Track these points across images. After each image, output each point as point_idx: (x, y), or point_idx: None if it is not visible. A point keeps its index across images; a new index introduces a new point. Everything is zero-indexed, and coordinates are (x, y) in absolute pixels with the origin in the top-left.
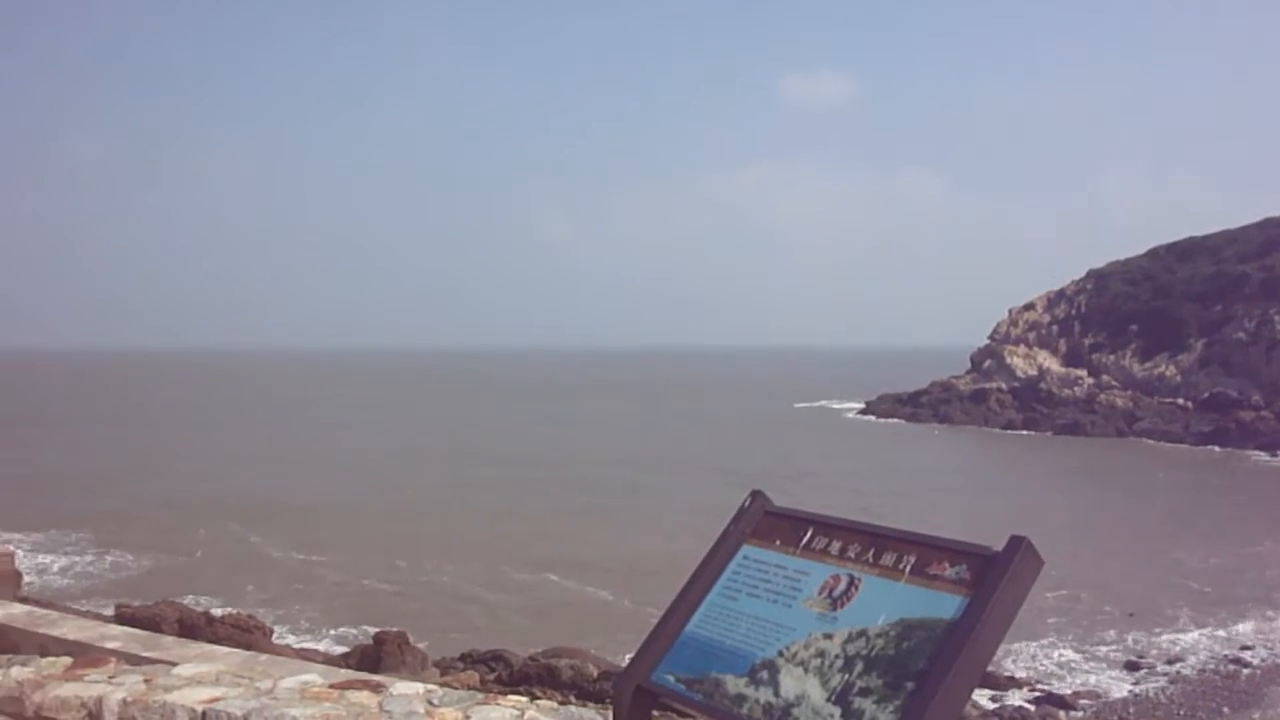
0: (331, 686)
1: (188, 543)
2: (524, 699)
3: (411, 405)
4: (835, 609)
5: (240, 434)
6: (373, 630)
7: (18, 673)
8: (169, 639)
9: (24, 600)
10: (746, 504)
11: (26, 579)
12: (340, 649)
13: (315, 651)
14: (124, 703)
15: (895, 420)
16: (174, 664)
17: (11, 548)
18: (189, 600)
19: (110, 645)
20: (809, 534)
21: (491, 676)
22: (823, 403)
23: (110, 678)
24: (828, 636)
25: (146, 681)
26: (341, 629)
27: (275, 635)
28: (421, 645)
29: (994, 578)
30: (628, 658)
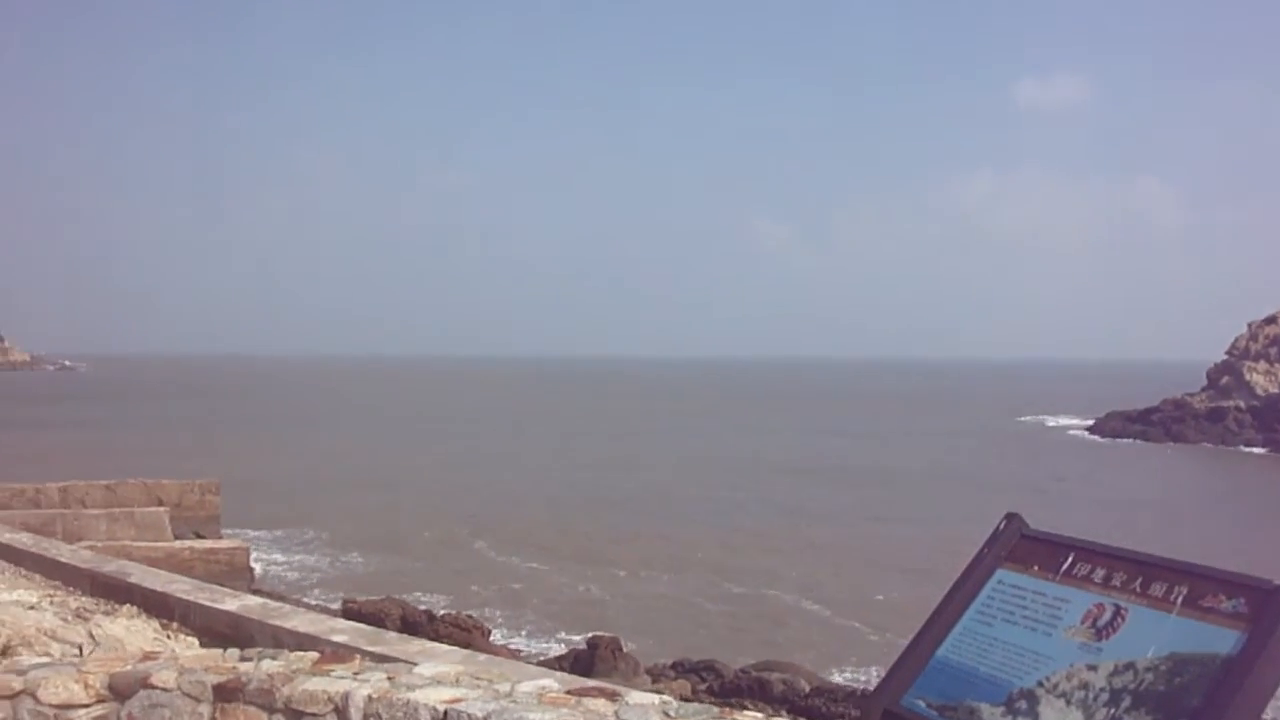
0: (568, 693)
1: (413, 544)
2: (760, 716)
3: (653, 414)
4: (1100, 639)
5: (483, 441)
6: (587, 635)
7: (268, 665)
8: (392, 634)
9: (257, 593)
10: (1001, 527)
11: (259, 573)
12: (554, 652)
13: (530, 653)
14: (369, 699)
15: (1125, 440)
16: (398, 659)
17: (246, 543)
18: (412, 598)
19: (337, 639)
20: (1069, 560)
21: (703, 687)
22: (1043, 418)
23: (355, 674)
24: (1091, 668)
25: (390, 679)
26: (557, 632)
27: (492, 636)
28: (632, 649)
29: (1275, 612)
30: (840, 675)
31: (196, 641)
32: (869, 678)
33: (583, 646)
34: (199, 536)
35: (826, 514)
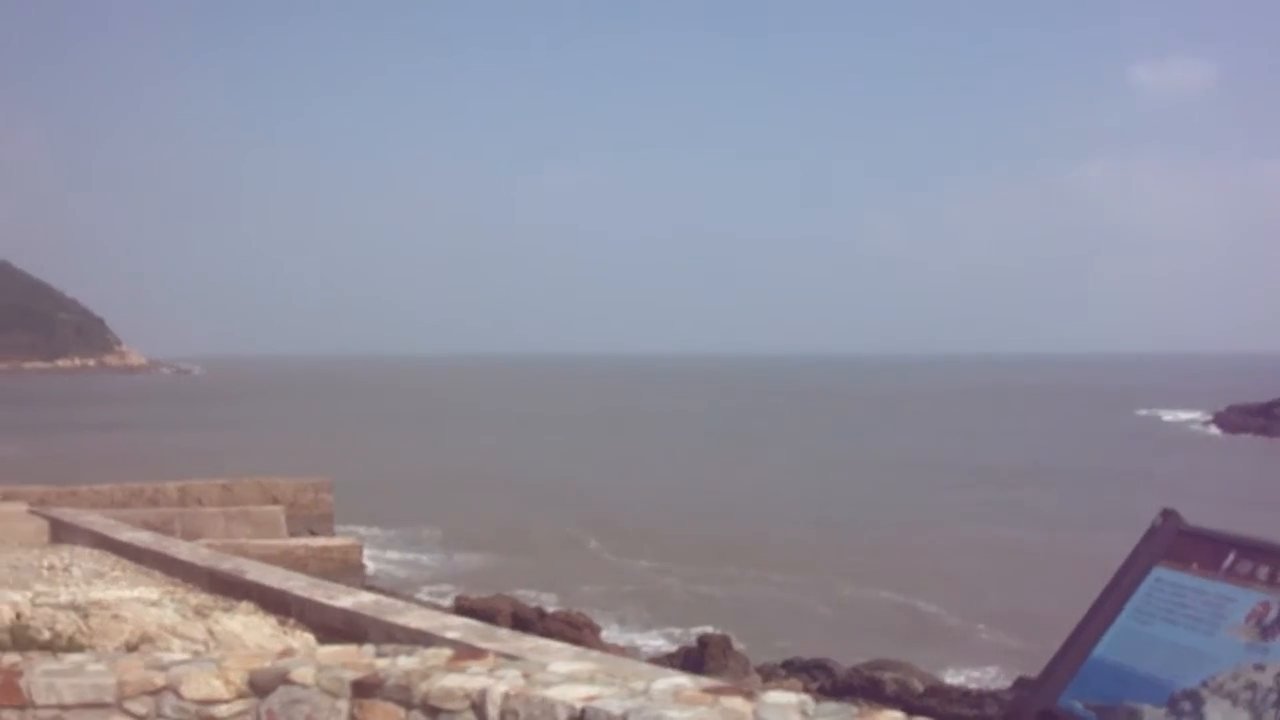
0: (705, 691)
1: (524, 542)
2: (899, 714)
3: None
4: (1266, 639)
5: (598, 439)
6: (696, 632)
7: (404, 662)
8: (504, 631)
9: (370, 589)
10: (1157, 523)
11: (371, 570)
12: (663, 649)
13: (639, 651)
14: (505, 696)
15: (1245, 435)
16: (514, 656)
17: (358, 540)
18: (522, 595)
19: (450, 635)
20: (1232, 557)
21: (814, 686)
22: (1159, 412)
23: (490, 671)
24: (1259, 668)
25: (525, 676)
26: (666, 629)
27: (602, 633)
28: (742, 648)
29: None
30: (954, 675)
31: (312, 638)
32: (988, 678)
33: (692, 644)
34: (313, 534)
35: (942, 513)
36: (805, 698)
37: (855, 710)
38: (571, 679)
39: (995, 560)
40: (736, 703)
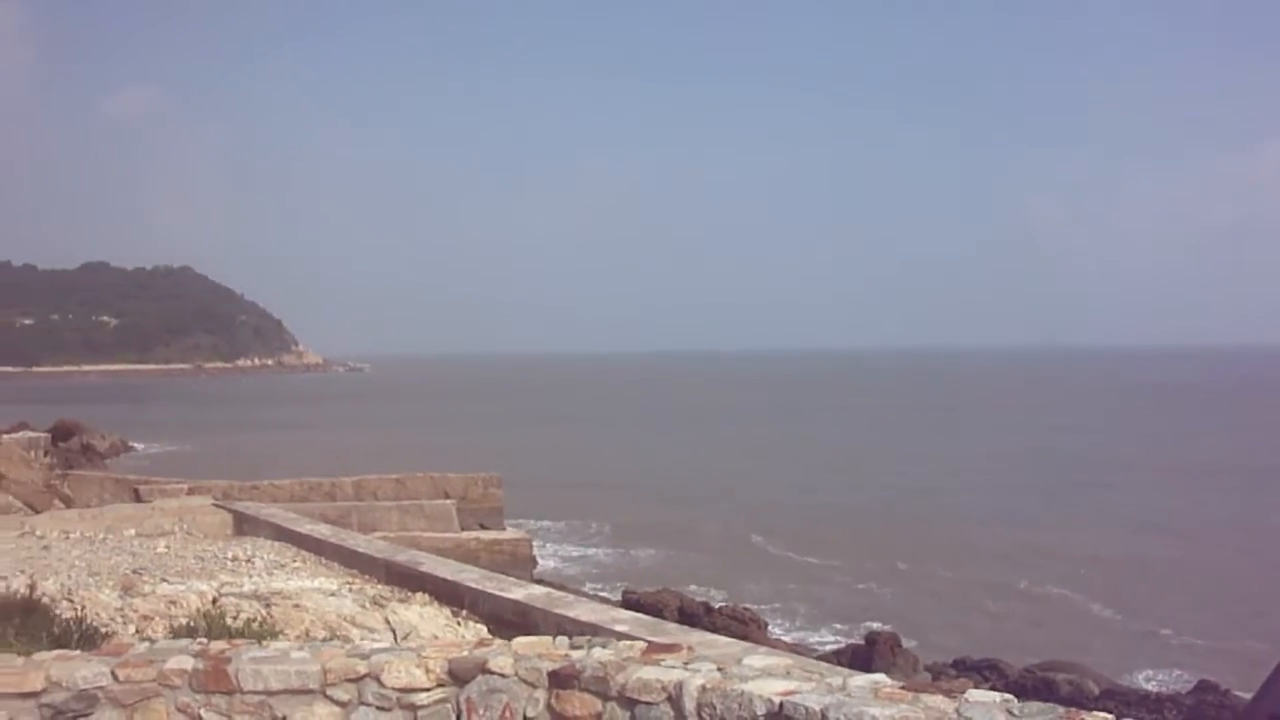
0: (904, 688)
1: (691, 538)
2: (1108, 717)
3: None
4: None
5: (770, 435)
6: (864, 629)
7: (599, 654)
8: (672, 625)
9: (539, 582)
10: None
11: (540, 563)
12: (830, 645)
13: (806, 646)
14: (702, 689)
15: None
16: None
17: (528, 534)
18: (689, 590)
19: (619, 628)
20: None
21: (985, 686)
22: None
23: (686, 664)
24: None
25: (720, 670)
26: (832, 624)
27: (768, 629)
28: (911, 646)
29: None
30: (1129, 677)
31: (485, 628)
32: (1169, 681)
33: (860, 641)
34: (483, 527)
35: (1114, 511)
36: (1009, 696)
37: (1062, 711)
38: (767, 673)
39: (1175, 559)
40: (938, 700)
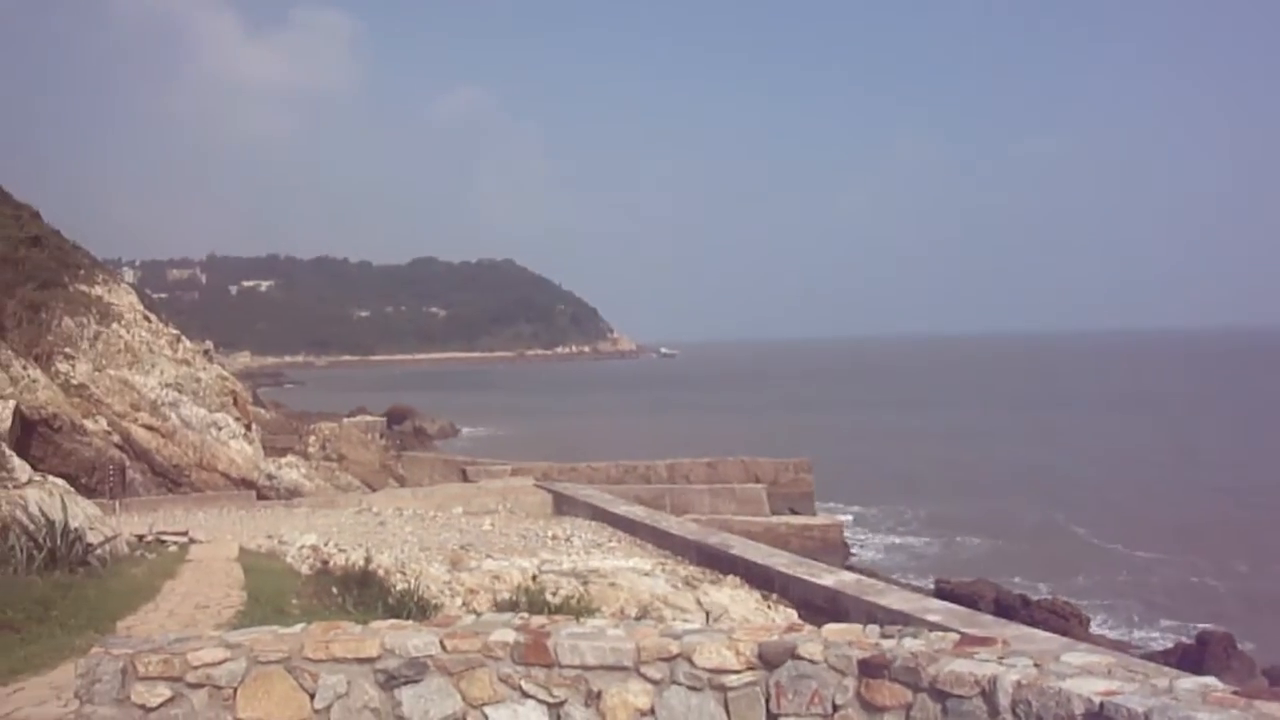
0: (1236, 693)
1: (1008, 527)
2: None
3: None
4: None
5: (1090, 422)
6: (1195, 628)
7: (910, 644)
8: (987, 617)
9: (850, 569)
10: None
11: (852, 549)
12: (1158, 645)
13: (1130, 644)
14: (1017, 684)
15: None
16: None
17: (841, 520)
18: (1005, 581)
19: (931, 618)
20: None
21: None
22: None
23: (1000, 658)
24: None
25: (1037, 666)
26: (1161, 623)
27: (1090, 625)
28: (1249, 649)
29: None
30: None
31: (795, 613)
32: None
33: (1190, 641)
34: (794, 512)
35: None
36: None
37: None
38: (1087, 671)
39: None
40: (1275, 708)
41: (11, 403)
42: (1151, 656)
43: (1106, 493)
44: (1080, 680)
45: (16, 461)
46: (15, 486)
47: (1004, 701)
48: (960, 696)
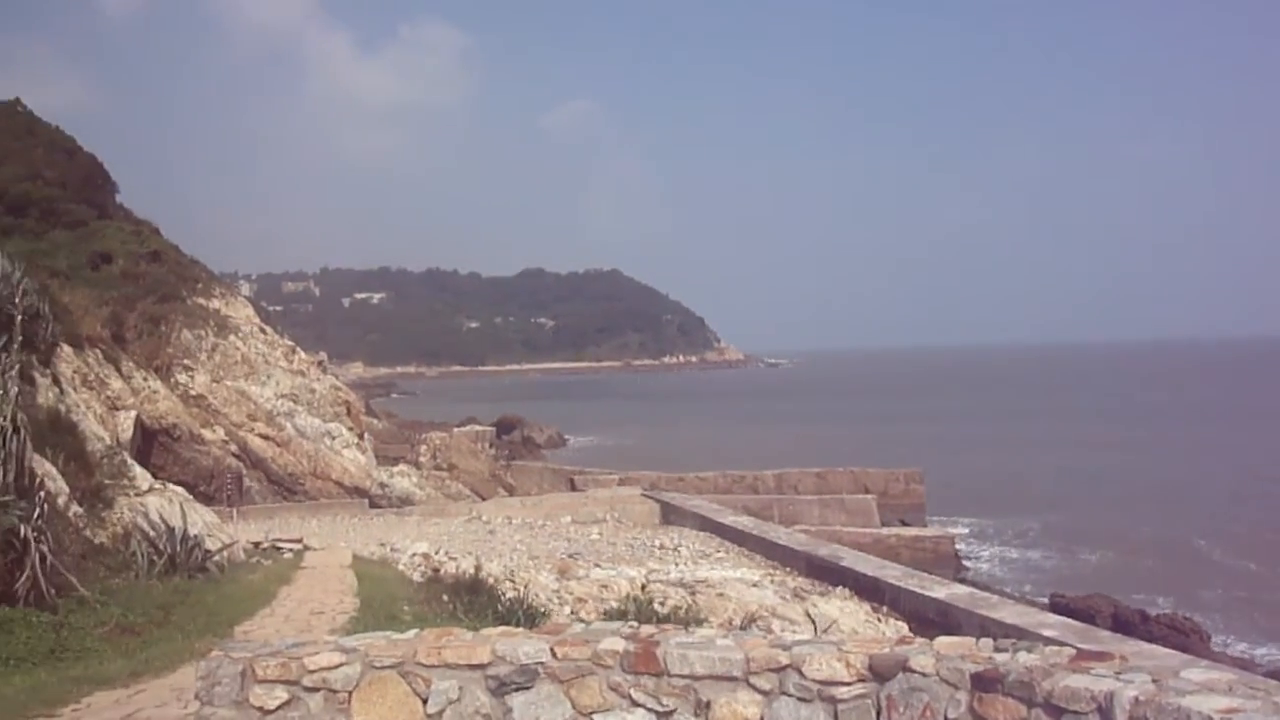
0: None
1: (1127, 541)
2: None
3: None
4: None
5: (1210, 434)
6: None
7: (1025, 658)
8: (1105, 633)
9: (963, 581)
10: None
11: (965, 563)
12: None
13: (1253, 662)
14: (1135, 700)
15: None
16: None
17: (953, 533)
18: (1124, 597)
19: (1046, 633)
20: None
21: None
22: None
23: (1117, 674)
24: None
25: (1155, 682)
26: None
27: (1212, 642)
28: None
29: None
30: None
31: (905, 626)
32: None
33: None
34: (904, 524)
35: None
36: None
37: None
38: (1208, 688)
39: None
40: None
41: (133, 413)
42: (1275, 674)
43: (1231, 506)
44: (1200, 697)
45: (138, 470)
46: (137, 494)
47: (1121, 718)
48: (1076, 712)
